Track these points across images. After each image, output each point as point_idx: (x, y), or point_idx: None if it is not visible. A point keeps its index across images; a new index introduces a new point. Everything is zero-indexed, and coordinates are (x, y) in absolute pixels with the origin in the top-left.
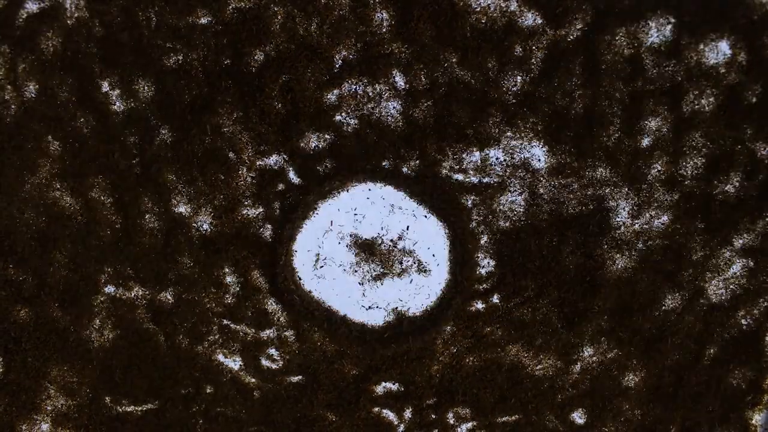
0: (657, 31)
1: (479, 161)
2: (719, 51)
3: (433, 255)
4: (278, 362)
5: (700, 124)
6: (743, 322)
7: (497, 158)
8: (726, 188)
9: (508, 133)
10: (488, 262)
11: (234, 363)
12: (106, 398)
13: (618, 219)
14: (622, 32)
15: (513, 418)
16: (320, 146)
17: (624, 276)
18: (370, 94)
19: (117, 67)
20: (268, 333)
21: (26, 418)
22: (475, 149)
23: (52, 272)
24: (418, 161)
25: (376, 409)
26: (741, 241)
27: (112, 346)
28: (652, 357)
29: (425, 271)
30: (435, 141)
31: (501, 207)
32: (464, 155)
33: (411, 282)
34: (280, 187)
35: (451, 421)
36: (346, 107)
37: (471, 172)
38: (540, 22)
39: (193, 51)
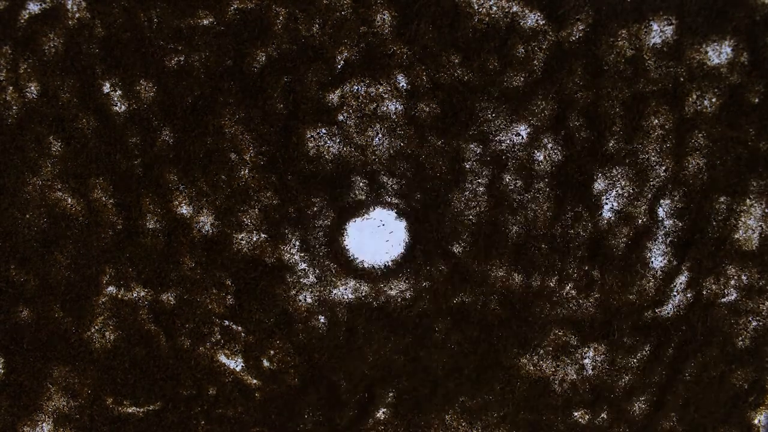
0: (659, 32)
1: (481, 161)
2: (721, 52)
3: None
4: (280, 363)
5: (702, 125)
6: (745, 322)
7: (500, 158)
8: (728, 189)
9: (511, 134)
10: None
11: (236, 364)
12: (108, 399)
13: None
14: (624, 33)
15: (514, 417)
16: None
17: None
18: (372, 94)
19: (119, 68)
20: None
21: (27, 419)
22: (477, 149)
23: (53, 273)
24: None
25: (380, 411)
26: (741, 242)
27: (114, 347)
28: (654, 357)
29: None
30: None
31: (504, 208)
32: (466, 155)
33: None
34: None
35: (450, 422)
36: (347, 108)
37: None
38: (542, 23)
39: (195, 52)
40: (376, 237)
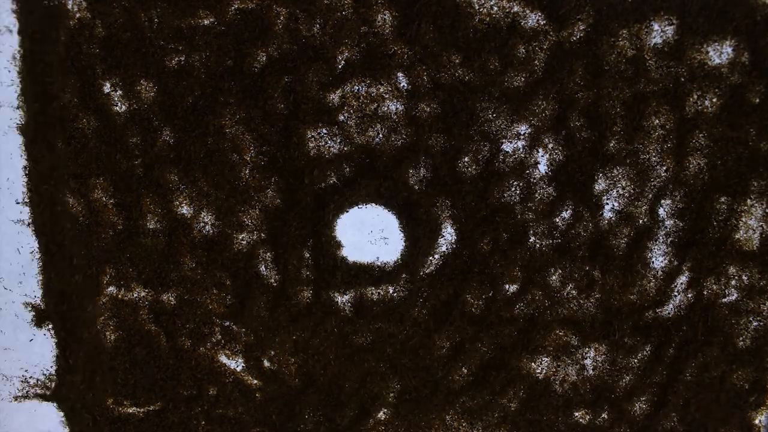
0: (660, 32)
1: (482, 162)
2: (722, 52)
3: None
4: (280, 363)
5: (703, 125)
6: (746, 322)
7: (500, 159)
8: (728, 189)
9: (511, 134)
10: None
11: (236, 364)
12: (108, 399)
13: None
14: (625, 33)
15: (514, 417)
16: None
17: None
18: (373, 94)
19: (119, 68)
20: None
21: None
22: (478, 149)
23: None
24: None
25: (380, 411)
26: (742, 243)
27: (114, 347)
28: (654, 357)
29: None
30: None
31: (504, 208)
32: (466, 157)
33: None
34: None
35: (451, 422)
36: (348, 108)
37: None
38: (543, 23)
39: (195, 52)
40: (374, 235)
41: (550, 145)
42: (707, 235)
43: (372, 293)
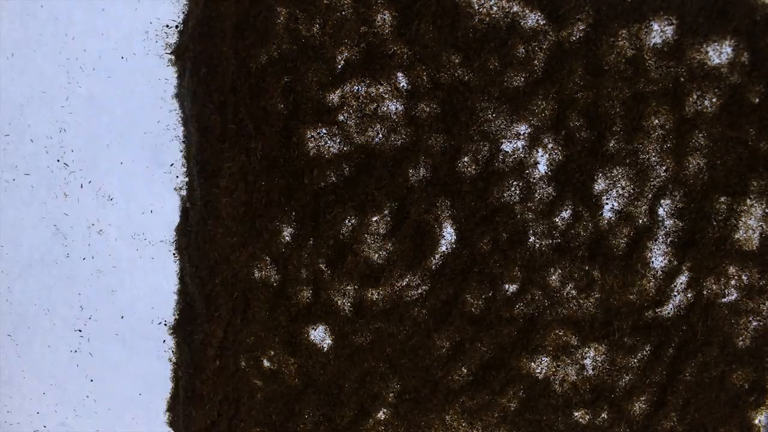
0: (659, 32)
1: (481, 162)
2: (722, 52)
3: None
4: (280, 364)
5: (702, 125)
6: (745, 322)
7: (500, 159)
8: (728, 189)
9: (510, 134)
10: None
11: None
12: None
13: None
14: (625, 33)
15: (514, 417)
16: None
17: (627, 276)
18: (373, 94)
19: None
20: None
21: None
22: (477, 149)
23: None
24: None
25: (380, 411)
26: (741, 242)
27: None
28: (654, 357)
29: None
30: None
31: (503, 208)
32: (465, 157)
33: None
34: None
35: (451, 422)
36: (348, 108)
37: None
38: (542, 23)
39: None
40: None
41: (550, 145)
42: (707, 235)
43: (372, 293)
